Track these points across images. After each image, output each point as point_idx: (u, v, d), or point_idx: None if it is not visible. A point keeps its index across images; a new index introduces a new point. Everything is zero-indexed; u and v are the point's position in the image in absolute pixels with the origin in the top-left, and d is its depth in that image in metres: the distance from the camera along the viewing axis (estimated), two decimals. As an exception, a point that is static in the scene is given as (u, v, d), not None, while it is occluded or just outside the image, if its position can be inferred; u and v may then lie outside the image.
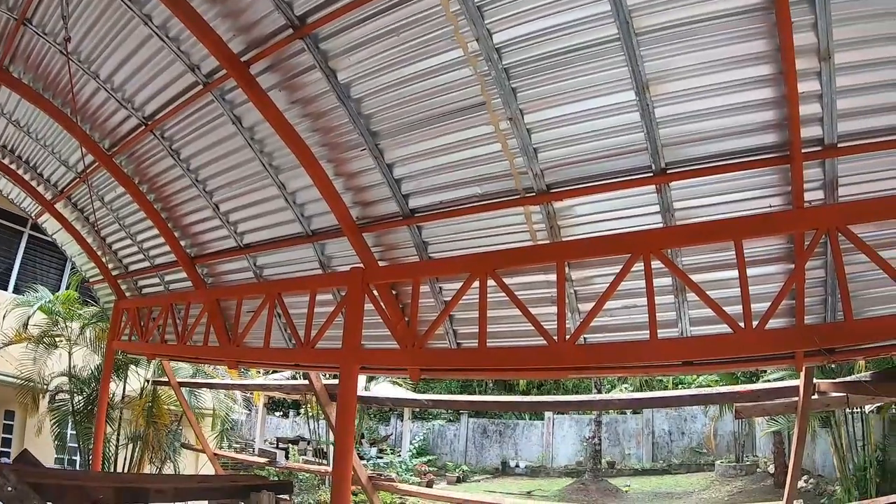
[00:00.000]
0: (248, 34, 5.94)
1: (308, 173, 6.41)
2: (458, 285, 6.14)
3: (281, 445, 23.40)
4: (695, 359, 5.49)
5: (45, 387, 14.46)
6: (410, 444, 28.44)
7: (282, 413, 32.24)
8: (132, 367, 13.90)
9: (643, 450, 26.51)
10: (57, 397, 14.96)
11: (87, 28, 6.97)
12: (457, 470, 26.88)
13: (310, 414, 20.81)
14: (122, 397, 14.12)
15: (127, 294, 11.34)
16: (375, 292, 6.58)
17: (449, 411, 29.65)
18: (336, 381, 9.96)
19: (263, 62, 6.03)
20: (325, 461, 19.12)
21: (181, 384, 12.76)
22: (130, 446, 14.54)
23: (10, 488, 3.27)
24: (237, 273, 8.76)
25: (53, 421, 14.83)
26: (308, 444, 23.13)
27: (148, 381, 14.07)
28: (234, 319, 8.03)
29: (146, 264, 10.29)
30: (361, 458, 22.33)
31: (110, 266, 11.21)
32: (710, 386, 17.03)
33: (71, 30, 6.69)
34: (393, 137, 5.97)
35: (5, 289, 17.31)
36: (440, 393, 24.20)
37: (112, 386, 12.64)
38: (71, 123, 8.29)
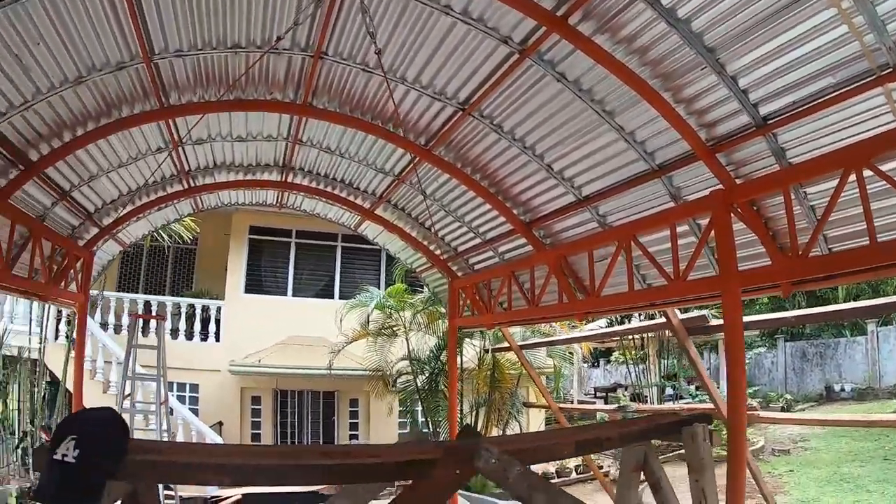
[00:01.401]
0: (555, -12, 5.87)
1: (653, 106, 6.20)
2: (821, 187, 5.63)
3: (599, 394, 23.79)
4: None
5: (389, 373, 16.39)
6: (730, 376, 27.17)
7: (590, 364, 32.88)
8: (467, 340, 15.09)
9: (980, 357, 21.96)
10: (398, 381, 16.87)
11: (387, 39, 7.36)
12: (779, 400, 25.04)
13: (626, 359, 20.86)
14: (461, 369, 15.42)
15: (458, 274, 12.23)
16: (740, 211, 6.24)
17: (764, 338, 27.70)
18: (688, 316, 9.91)
19: (579, 13, 5.90)
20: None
21: (522, 347, 13.47)
22: (474, 412, 15.91)
23: (494, 460, 3.45)
24: (577, 227, 8.88)
25: (401, 400, 16.73)
26: (626, 389, 23.32)
27: (487, 351, 15.18)
28: (590, 271, 8.18)
29: (476, 241, 10.95)
30: (681, 397, 21.96)
31: (438, 252, 12.17)
32: None
33: (370, 46, 7.10)
34: (730, 49, 5.47)
35: (332, 297, 20.11)
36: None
37: (452, 360, 13.82)
38: (386, 133, 9.00)
